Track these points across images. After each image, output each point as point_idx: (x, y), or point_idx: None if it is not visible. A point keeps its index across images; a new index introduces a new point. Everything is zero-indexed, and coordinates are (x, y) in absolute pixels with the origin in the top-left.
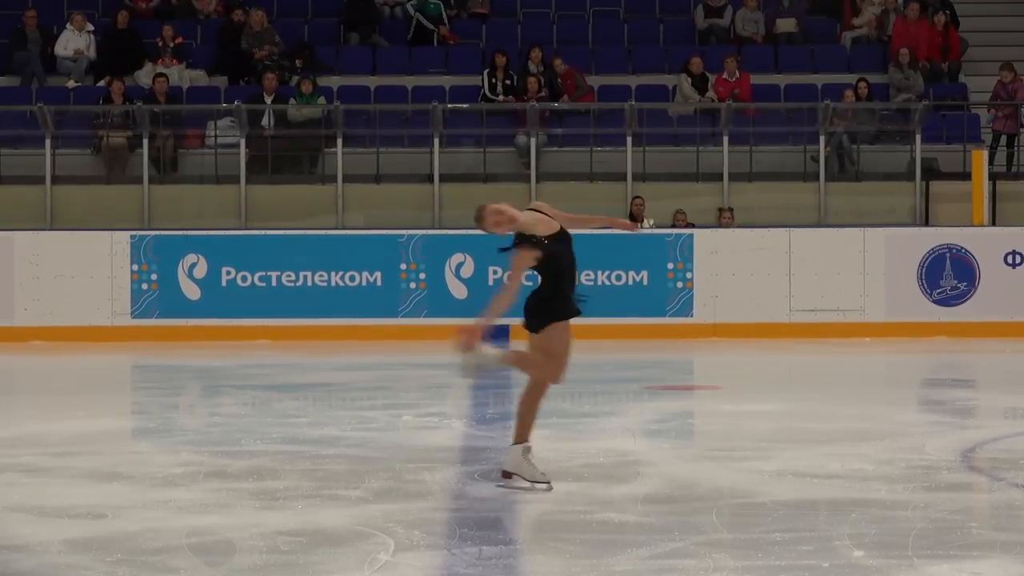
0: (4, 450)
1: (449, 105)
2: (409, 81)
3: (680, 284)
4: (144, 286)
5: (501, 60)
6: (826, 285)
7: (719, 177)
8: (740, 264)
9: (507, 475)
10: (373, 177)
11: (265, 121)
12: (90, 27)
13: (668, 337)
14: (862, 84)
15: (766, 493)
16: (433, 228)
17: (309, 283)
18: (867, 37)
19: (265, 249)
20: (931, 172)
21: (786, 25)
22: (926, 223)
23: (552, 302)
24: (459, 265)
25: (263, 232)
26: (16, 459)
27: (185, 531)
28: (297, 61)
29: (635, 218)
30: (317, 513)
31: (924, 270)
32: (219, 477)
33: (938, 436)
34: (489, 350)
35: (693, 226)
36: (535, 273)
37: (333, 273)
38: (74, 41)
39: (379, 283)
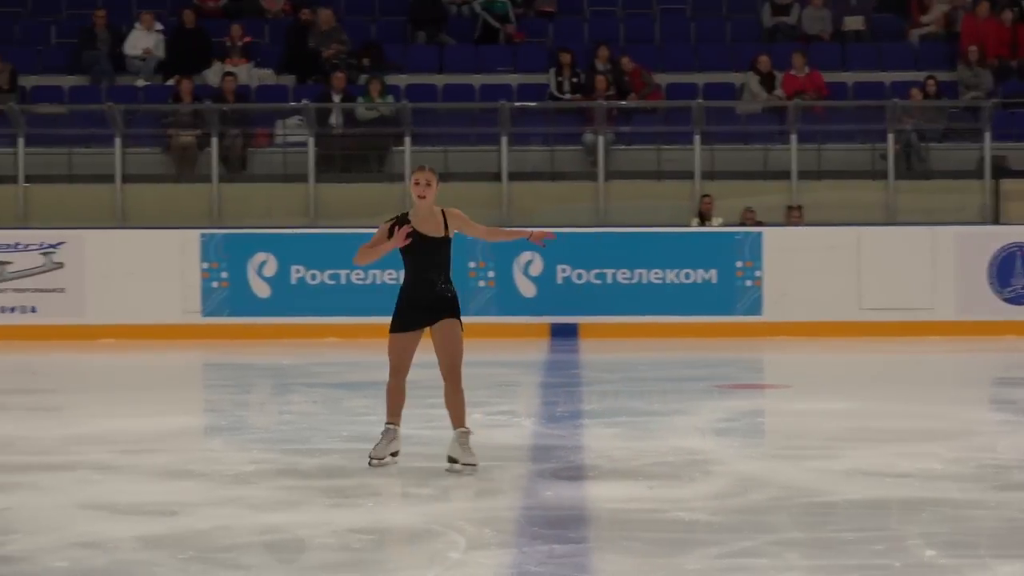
0: (76, 447)
1: (516, 103)
2: (476, 80)
3: (749, 282)
4: (214, 284)
5: (567, 58)
6: (895, 283)
7: (787, 175)
8: (809, 262)
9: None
10: (440, 176)
11: (333, 120)
12: (159, 26)
13: (737, 336)
14: (930, 82)
15: (836, 492)
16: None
17: (378, 281)
18: (935, 34)
19: (334, 247)
20: (1001, 170)
21: (853, 23)
22: (996, 221)
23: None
24: (527, 263)
25: (332, 230)
26: (88, 456)
27: (256, 528)
28: (365, 60)
29: (704, 216)
30: (388, 511)
31: (995, 268)
32: (290, 475)
33: (1009, 435)
34: None
35: (762, 224)
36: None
37: (401, 272)
38: (143, 40)
39: None
